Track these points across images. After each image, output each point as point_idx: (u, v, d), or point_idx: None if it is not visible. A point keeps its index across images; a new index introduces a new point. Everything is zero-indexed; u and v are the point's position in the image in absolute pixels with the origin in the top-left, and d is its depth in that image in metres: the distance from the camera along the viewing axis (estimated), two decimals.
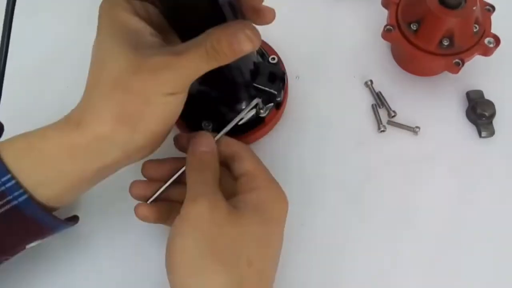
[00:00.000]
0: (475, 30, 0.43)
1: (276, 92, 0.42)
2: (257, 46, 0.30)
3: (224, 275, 0.31)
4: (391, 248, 0.42)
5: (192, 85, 0.42)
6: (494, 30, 0.43)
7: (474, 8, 0.41)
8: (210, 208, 0.32)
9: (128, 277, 0.41)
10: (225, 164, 0.38)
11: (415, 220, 0.42)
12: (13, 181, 0.31)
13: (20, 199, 0.31)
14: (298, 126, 0.46)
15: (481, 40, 0.43)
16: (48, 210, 0.33)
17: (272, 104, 0.43)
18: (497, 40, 0.43)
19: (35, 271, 0.41)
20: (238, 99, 0.42)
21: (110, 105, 0.31)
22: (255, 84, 0.42)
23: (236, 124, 0.42)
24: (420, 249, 0.42)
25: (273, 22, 0.34)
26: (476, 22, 0.43)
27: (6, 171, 0.31)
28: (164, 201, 0.38)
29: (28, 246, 0.35)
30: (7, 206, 0.31)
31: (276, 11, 0.33)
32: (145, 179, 0.39)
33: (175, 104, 0.33)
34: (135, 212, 0.37)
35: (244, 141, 0.44)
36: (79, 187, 0.34)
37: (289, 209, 0.43)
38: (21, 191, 0.31)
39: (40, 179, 0.32)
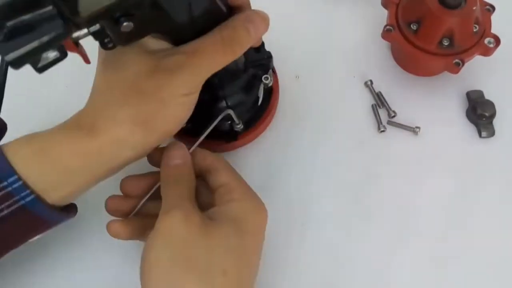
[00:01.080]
0: (475, 30, 0.43)
1: (266, 56, 0.42)
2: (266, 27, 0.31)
3: (197, 285, 0.31)
4: (391, 248, 0.42)
5: None
6: (494, 30, 0.43)
7: (474, 8, 0.41)
8: (184, 220, 0.32)
9: (124, 273, 0.40)
10: (201, 176, 0.37)
11: (415, 220, 0.42)
12: (20, 182, 0.31)
13: (28, 199, 0.31)
14: (298, 125, 0.46)
15: (481, 40, 0.43)
16: (53, 207, 0.33)
17: (269, 75, 0.42)
18: (497, 40, 0.43)
19: (34, 265, 0.41)
20: (214, 102, 0.40)
21: (125, 109, 0.31)
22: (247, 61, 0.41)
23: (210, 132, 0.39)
24: (420, 249, 0.42)
25: (273, 22, 0.34)
26: (476, 22, 0.43)
27: (13, 172, 0.31)
28: (139, 216, 0.38)
29: (30, 240, 0.35)
30: (15, 206, 0.31)
31: (276, 11, 0.33)
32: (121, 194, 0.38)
33: (189, 104, 0.33)
34: (107, 229, 0.36)
35: (243, 141, 0.44)
36: (88, 187, 0.34)
37: (289, 208, 0.43)
38: (28, 191, 0.31)
39: (51, 183, 0.32)
